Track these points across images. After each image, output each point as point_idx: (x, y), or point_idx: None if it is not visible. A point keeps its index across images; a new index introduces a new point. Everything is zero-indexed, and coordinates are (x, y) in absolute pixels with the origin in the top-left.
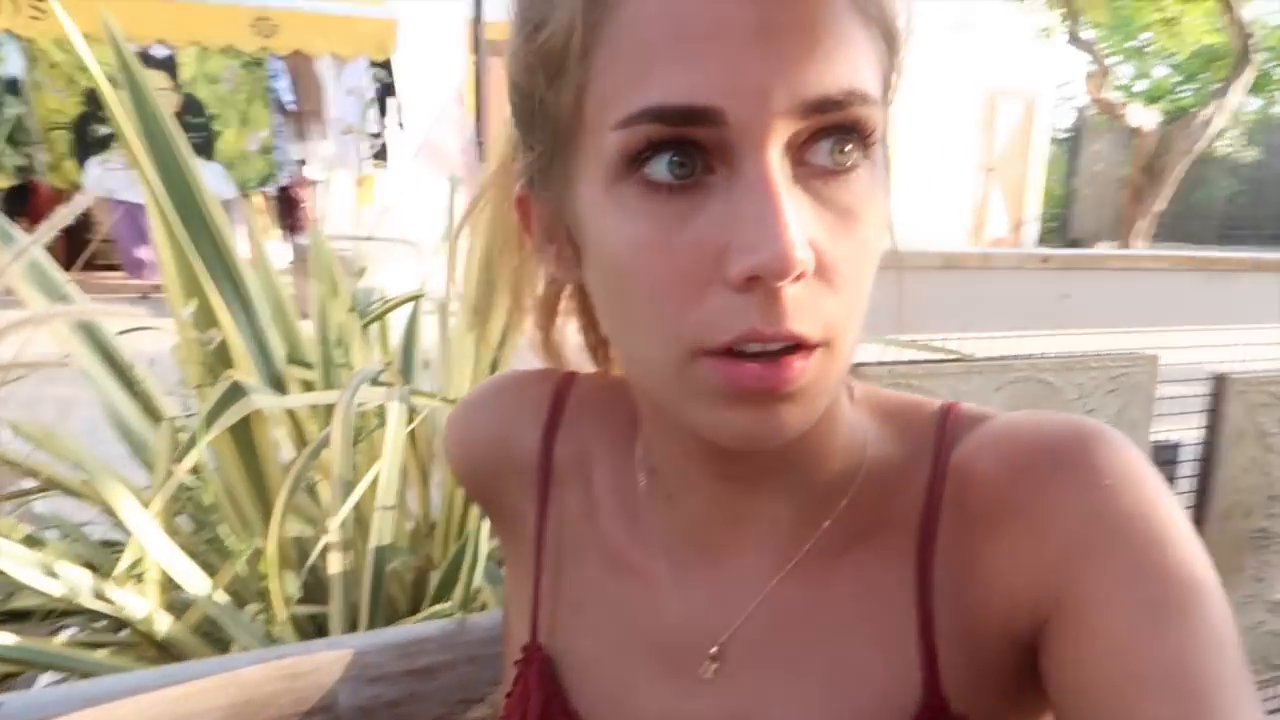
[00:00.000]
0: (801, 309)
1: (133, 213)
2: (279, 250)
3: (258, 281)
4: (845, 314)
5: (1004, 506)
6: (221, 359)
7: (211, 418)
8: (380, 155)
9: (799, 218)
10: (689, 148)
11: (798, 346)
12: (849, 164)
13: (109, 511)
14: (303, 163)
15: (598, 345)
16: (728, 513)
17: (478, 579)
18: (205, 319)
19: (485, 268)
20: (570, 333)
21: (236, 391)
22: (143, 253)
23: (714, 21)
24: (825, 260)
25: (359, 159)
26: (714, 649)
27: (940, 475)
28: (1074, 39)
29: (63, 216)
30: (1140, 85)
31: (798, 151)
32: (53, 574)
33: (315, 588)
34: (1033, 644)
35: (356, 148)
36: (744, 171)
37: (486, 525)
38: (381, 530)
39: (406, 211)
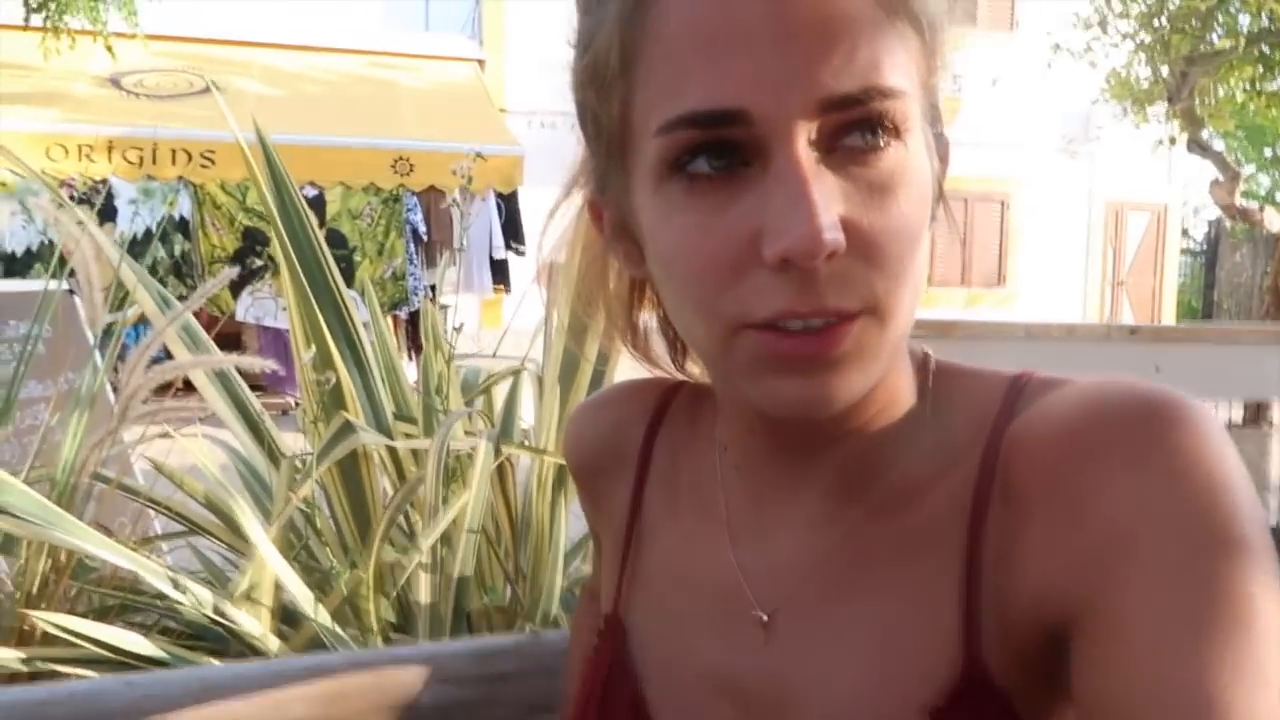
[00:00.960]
0: (837, 284)
1: (278, 337)
2: (408, 369)
3: (374, 353)
4: (887, 285)
5: (1047, 484)
6: (337, 406)
7: (324, 453)
8: (504, 280)
9: (828, 200)
10: (724, 145)
11: (839, 319)
12: (880, 146)
13: (235, 549)
14: (433, 288)
15: (676, 339)
16: (785, 483)
17: (554, 608)
18: (325, 366)
19: (582, 284)
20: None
21: (346, 429)
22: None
23: (736, 28)
24: (860, 235)
25: (484, 284)
26: (765, 617)
27: (995, 446)
28: (1197, 147)
29: (213, 284)
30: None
31: (829, 138)
32: (183, 589)
33: (407, 619)
34: (1064, 636)
35: (482, 273)
36: (774, 163)
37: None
38: (465, 558)
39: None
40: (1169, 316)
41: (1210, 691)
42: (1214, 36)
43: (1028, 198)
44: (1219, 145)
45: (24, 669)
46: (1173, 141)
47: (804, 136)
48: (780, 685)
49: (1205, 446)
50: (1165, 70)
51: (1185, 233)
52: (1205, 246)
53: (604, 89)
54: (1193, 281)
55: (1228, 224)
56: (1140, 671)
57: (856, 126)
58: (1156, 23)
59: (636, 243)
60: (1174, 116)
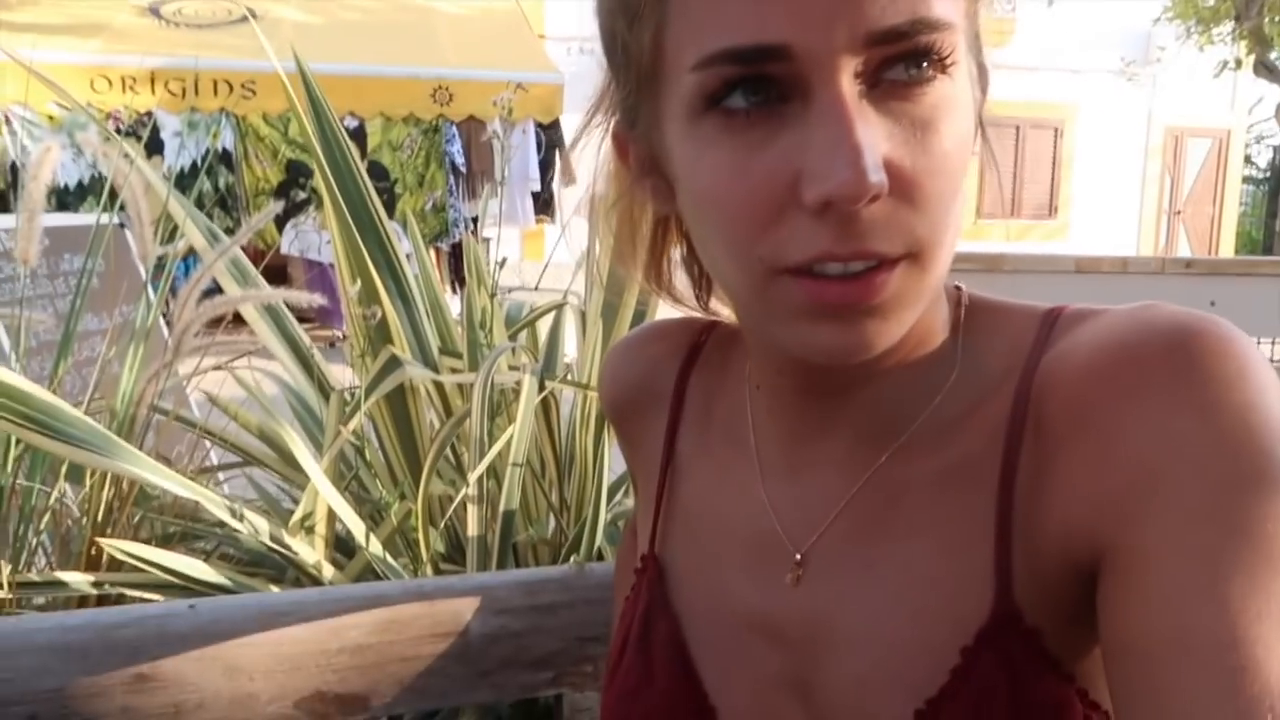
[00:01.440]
0: (879, 227)
1: (323, 271)
2: (450, 302)
3: (419, 287)
4: (929, 227)
5: (1077, 418)
6: (384, 341)
7: (372, 387)
8: (547, 211)
9: (872, 140)
10: (763, 81)
11: (879, 263)
12: (925, 79)
13: (288, 479)
14: (475, 219)
15: (701, 275)
16: (816, 423)
17: (599, 540)
18: (370, 301)
19: (623, 222)
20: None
21: (393, 363)
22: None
23: None
24: (903, 176)
25: (526, 215)
26: (798, 556)
27: (1028, 380)
28: (1264, 69)
29: (259, 219)
30: None
31: (872, 74)
32: (241, 518)
33: (457, 550)
34: (1093, 574)
35: (524, 204)
36: (816, 100)
37: (607, 493)
38: (510, 492)
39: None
40: (1228, 247)
41: (1234, 631)
42: None
43: (1083, 124)
44: None
45: (94, 592)
46: (1238, 64)
47: (848, 73)
48: (814, 623)
49: (1240, 378)
50: None
51: (1248, 160)
52: (1269, 174)
53: (635, 17)
54: (1254, 211)
55: None
56: (1163, 610)
57: (901, 59)
58: None
59: (666, 179)
60: (1241, 37)
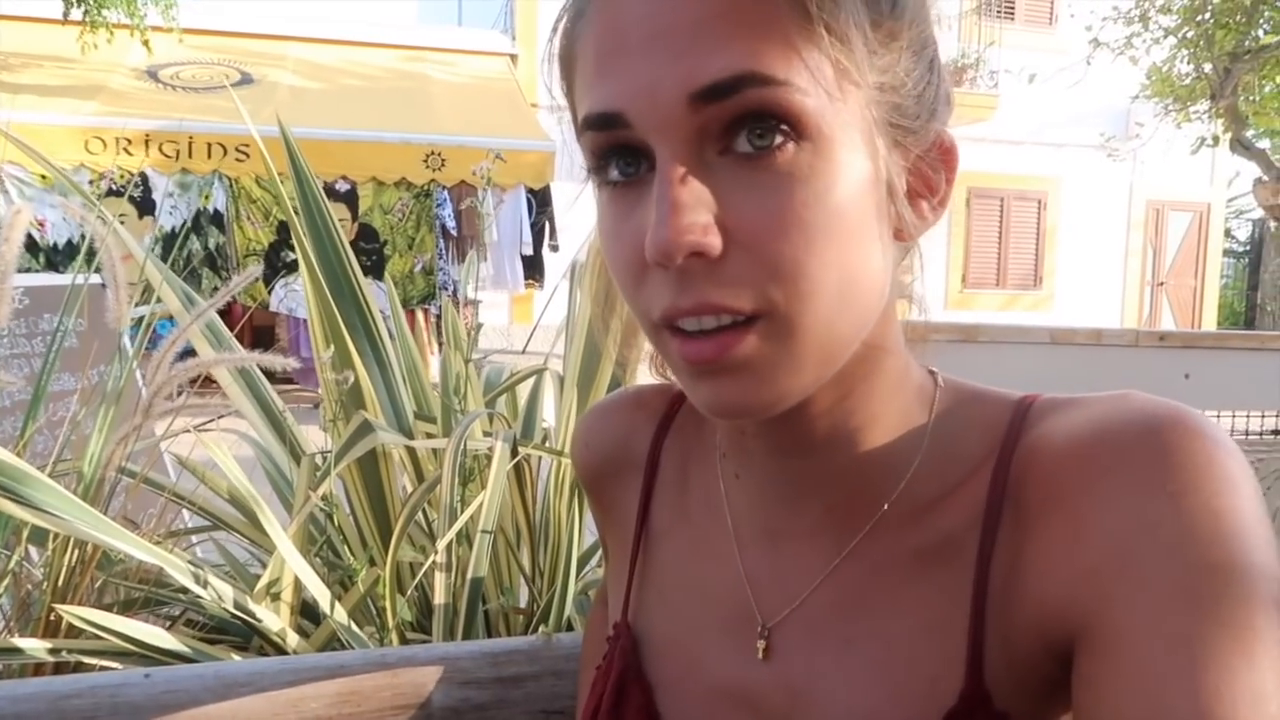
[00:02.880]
0: (724, 282)
1: (308, 330)
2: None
3: (396, 351)
4: (785, 289)
5: (1052, 498)
6: (357, 405)
7: (342, 452)
8: (536, 275)
9: (692, 200)
10: (632, 150)
11: (733, 322)
12: (774, 146)
13: (257, 544)
14: (457, 284)
15: None
16: (785, 492)
17: (569, 609)
18: (344, 364)
19: (604, 280)
20: None
21: (365, 428)
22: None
23: (620, 34)
24: (745, 236)
25: (516, 279)
26: (760, 629)
27: (1006, 462)
28: (1240, 146)
29: (237, 283)
30: None
31: (720, 139)
32: (205, 584)
33: (426, 617)
34: (1068, 655)
35: (514, 268)
36: (657, 166)
37: (579, 562)
38: (480, 558)
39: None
40: (1210, 318)
41: (1208, 717)
42: (1260, 32)
43: (1066, 197)
44: (1264, 144)
45: (50, 659)
46: (1215, 140)
47: (678, 138)
48: (791, 696)
49: (1211, 466)
50: (1208, 66)
51: (1228, 233)
52: (1249, 247)
53: (565, 96)
54: (1235, 283)
55: (1272, 225)
56: (1137, 693)
57: (747, 121)
58: (1199, 17)
59: None
60: (1217, 115)
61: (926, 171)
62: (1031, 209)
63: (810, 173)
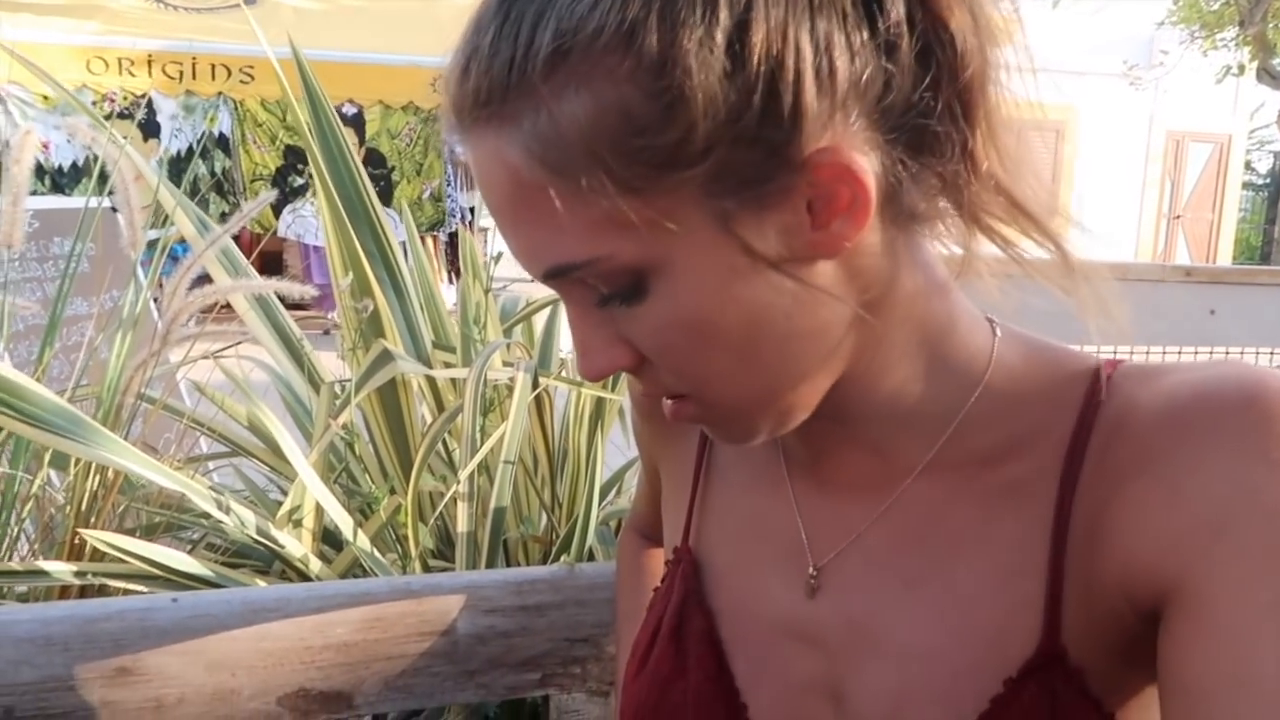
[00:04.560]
0: (651, 379)
1: (320, 255)
2: (446, 292)
3: (413, 279)
4: (688, 382)
5: (1145, 459)
6: (376, 333)
7: (362, 381)
8: None
9: (594, 338)
10: None
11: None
12: (620, 303)
13: (277, 471)
14: (472, 210)
15: None
16: (829, 446)
17: (590, 539)
18: (363, 293)
19: None
20: None
21: (385, 357)
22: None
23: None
24: (647, 353)
25: None
26: (812, 569)
27: (1088, 422)
28: (1266, 76)
29: (251, 207)
30: None
31: (592, 290)
32: (227, 510)
33: (447, 546)
34: (1154, 614)
35: None
36: None
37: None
38: (502, 489)
39: None
40: (1226, 253)
41: None
42: None
43: (1084, 127)
44: None
45: (76, 582)
46: (1241, 69)
47: (559, 291)
48: (848, 631)
49: None
50: None
51: (1249, 166)
52: (1269, 181)
53: None
54: (1253, 217)
55: None
56: (1225, 656)
57: (580, 289)
58: None
59: None
60: (1244, 42)
61: (820, 197)
62: (1049, 139)
63: (674, 300)
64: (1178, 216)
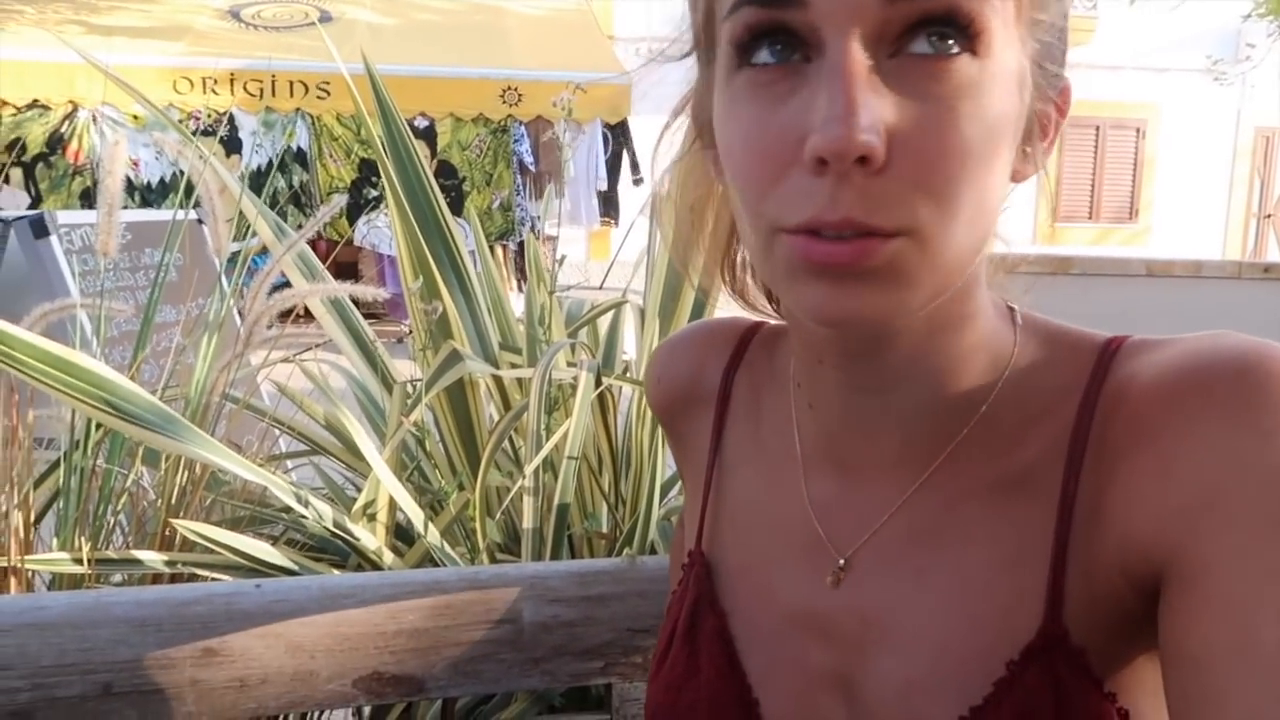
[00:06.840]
0: (874, 200)
1: (394, 264)
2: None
3: (481, 284)
4: (933, 210)
5: (1140, 434)
6: (445, 336)
7: (432, 380)
8: (611, 212)
9: (875, 104)
10: (788, 35)
11: (870, 234)
12: (951, 54)
13: (352, 468)
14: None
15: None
16: (862, 423)
17: (652, 534)
18: (431, 296)
19: (687, 216)
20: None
21: (454, 357)
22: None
23: None
24: (908, 150)
25: (591, 215)
26: (841, 560)
27: (1092, 401)
28: None
29: (323, 213)
30: None
31: (894, 42)
32: (306, 504)
33: (513, 540)
34: (1153, 590)
35: (589, 204)
36: (828, 56)
37: (661, 490)
38: (566, 484)
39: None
40: None
41: None
42: None
43: (1167, 124)
44: None
45: (167, 570)
46: None
47: (859, 30)
48: (863, 623)
49: None
50: None
51: None
52: None
53: None
54: None
55: None
56: (1226, 620)
57: (925, 27)
58: None
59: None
60: None
61: (1048, 114)
62: (1129, 137)
63: (977, 90)
64: (1268, 215)
